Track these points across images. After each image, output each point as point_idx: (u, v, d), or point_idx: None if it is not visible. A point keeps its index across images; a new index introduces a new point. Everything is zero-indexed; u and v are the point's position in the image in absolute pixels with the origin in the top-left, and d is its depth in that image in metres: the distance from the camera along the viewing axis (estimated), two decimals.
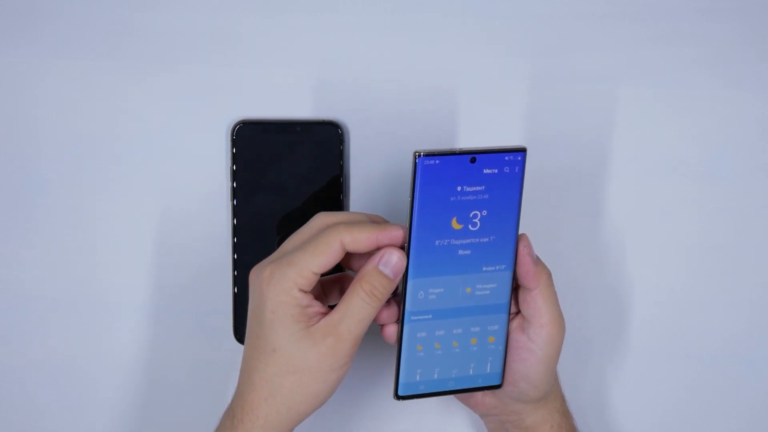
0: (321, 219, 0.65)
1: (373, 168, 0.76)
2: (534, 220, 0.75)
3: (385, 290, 0.63)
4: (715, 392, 0.77)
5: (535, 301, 0.66)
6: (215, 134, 0.76)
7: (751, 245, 0.76)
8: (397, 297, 0.66)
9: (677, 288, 0.77)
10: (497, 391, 0.69)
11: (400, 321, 0.65)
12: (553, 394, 0.70)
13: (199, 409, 0.77)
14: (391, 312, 0.66)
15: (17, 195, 0.76)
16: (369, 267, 0.64)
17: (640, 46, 0.76)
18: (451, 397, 0.74)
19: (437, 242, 0.64)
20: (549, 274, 0.66)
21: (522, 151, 0.63)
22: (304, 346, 0.63)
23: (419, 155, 0.63)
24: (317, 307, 0.64)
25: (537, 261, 0.66)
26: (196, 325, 0.76)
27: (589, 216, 0.76)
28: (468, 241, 0.64)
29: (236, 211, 0.75)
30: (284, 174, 0.75)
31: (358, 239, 0.63)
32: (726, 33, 0.76)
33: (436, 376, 0.66)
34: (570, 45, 0.76)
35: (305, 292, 0.63)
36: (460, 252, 0.64)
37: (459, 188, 0.63)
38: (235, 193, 0.75)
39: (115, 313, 0.76)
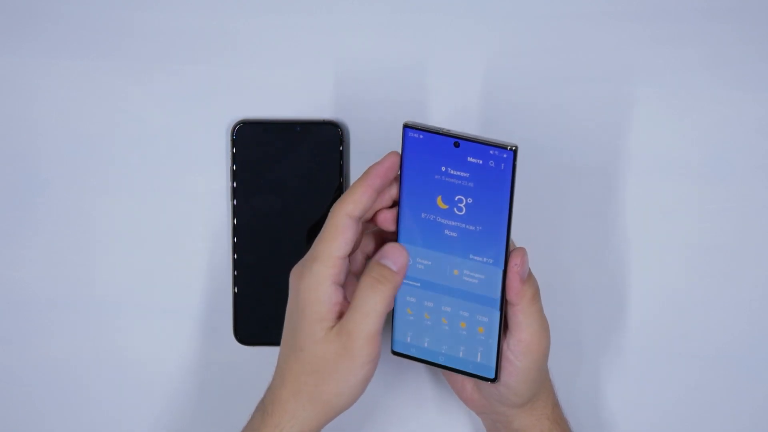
0: (333, 207, 0.65)
1: None
2: (533, 219, 0.75)
3: (388, 281, 0.63)
4: (714, 393, 0.77)
5: (516, 316, 0.65)
6: (215, 134, 0.76)
7: (751, 245, 0.76)
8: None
9: (677, 288, 0.77)
10: (483, 391, 0.69)
11: None
12: (542, 401, 0.69)
13: (199, 409, 0.77)
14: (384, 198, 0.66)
15: (17, 195, 0.76)
16: (371, 261, 0.64)
17: (640, 46, 0.76)
18: (452, 395, 0.74)
19: (423, 215, 0.65)
20: (534, 292, 0.65)
21: (509, 149, 0.62)
22: (322, 347, 0.63)
23: (406, 125, 0.63)
24: (346, 305, 0.64)
25: (527, 278, 0.65)
26: (196, 325, 0.76)
27: (588, 216, 0.76)
28: (454, 223, 0.65)
29: (236, 211, 0.75)
30: (284, 174, 0.75)
31: (357, 200, 0.63)
32: (726, 33, 0.76)
33: (426, 345, 0.67)
34: (570, 45, 0.76)
35: (338, 285, 0.63)
36: (446, 232, 0.65)
37: (443, 168, 0.64)
38: (235, 193, 0.75)
39: (115, 313, 0.76)
